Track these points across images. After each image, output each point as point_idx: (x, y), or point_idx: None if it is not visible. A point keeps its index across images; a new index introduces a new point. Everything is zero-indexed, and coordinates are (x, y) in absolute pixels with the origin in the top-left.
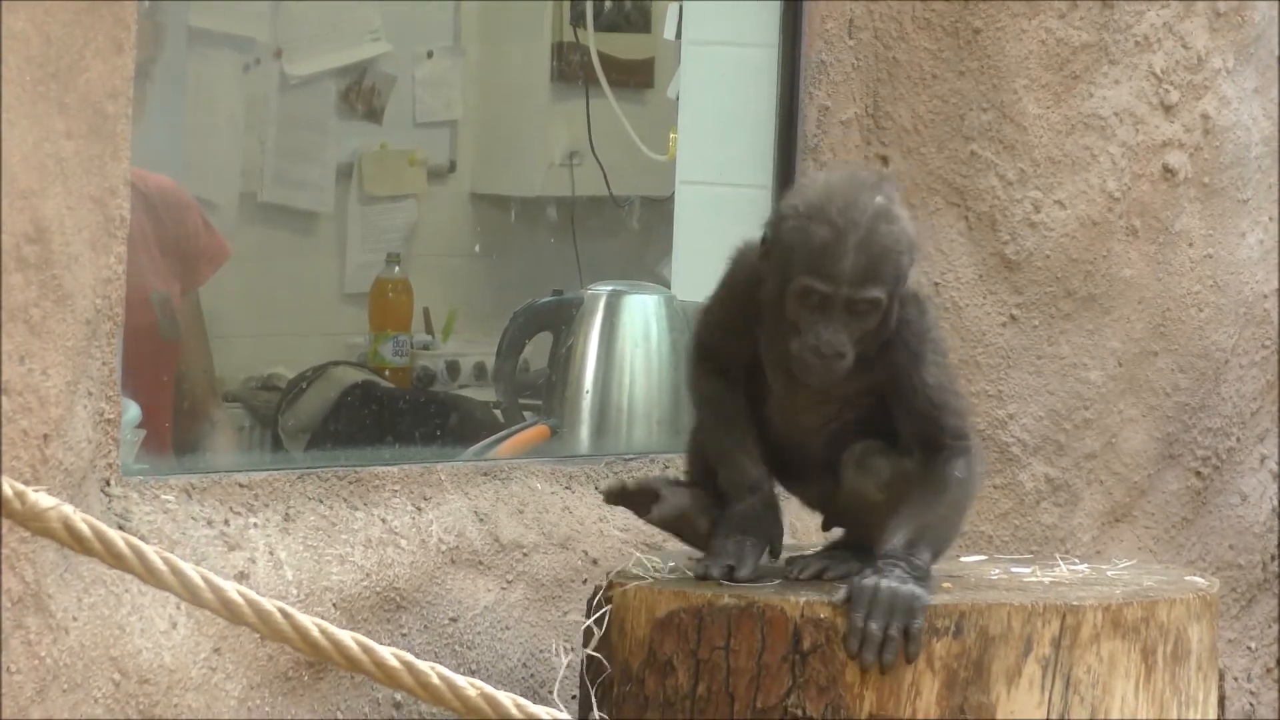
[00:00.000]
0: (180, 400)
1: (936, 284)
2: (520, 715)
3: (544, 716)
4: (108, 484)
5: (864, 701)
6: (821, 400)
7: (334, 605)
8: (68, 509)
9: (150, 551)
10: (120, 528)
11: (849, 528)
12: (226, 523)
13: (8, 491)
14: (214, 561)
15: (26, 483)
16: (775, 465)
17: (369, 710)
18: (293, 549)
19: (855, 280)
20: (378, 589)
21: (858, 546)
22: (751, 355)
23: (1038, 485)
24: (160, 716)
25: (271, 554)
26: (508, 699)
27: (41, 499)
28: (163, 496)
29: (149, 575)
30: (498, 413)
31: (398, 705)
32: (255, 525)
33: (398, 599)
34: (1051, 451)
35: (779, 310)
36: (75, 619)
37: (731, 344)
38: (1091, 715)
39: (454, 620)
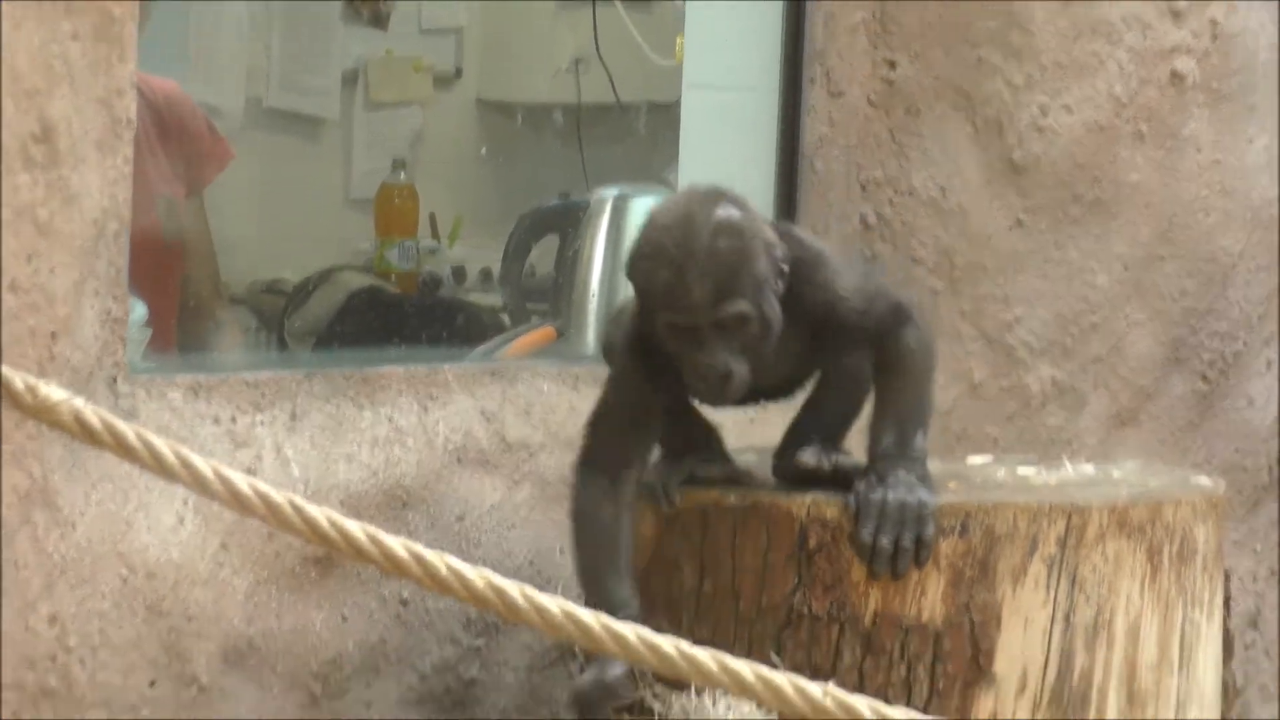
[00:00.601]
0: (186, 301)
1: (943, 188)
2: (527, 605)
3: (551, 605)
4: (115, 382)
5: (869, 600)
6: (769, 364)
7: (341, 503)
8: (79, 401)
9: (160, 443)
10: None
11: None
12: (233, 420)
13: (19, 384)
14: (221, 459)
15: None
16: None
17: (376, 606)
18: (300, 447)
19: (709, 304)
20: (384, 487)
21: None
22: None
23: (1044, 388)
24: (167, 611)
25: (278, 452)
26: (515, 588)
27: (53, 392)
28: (169, 395)
29: (159, 467)
30: (504, 316)
31: (404, 602)
32: (262, 424)
33: (404, 497)
34: (1058, 354)
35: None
36: (83, 514)
37: (639, 420)
38: (1097, 614)
39: (460, 519)
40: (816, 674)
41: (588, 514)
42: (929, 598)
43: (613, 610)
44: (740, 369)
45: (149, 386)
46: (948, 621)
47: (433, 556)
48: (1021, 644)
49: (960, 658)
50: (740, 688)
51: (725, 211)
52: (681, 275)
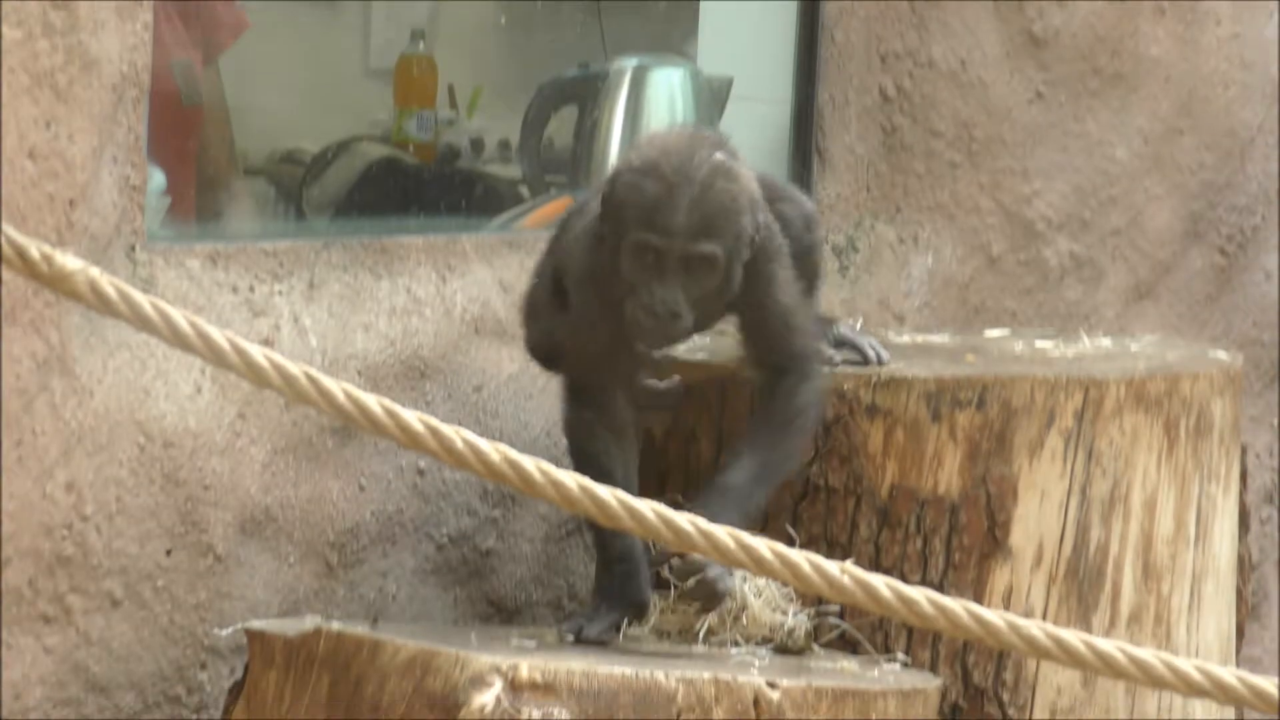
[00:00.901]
0: (204, 169)
1: (963, 61)
2: (544, 480)
3: (568, 480)
4: (133, 250)
5: (885, 472)
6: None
7: (358, 373)
8: (94, 271)
9: (176, 314)
10: (146, 293)
11: None
12: (251, 289)
13: (34, 253)
14: (239, 328)
15: (53, 247)
16: None
17: (393, 476)
18: (317, 316)
19: (689, 234)
20: (402, 357)
21: None
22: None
23: (1062, 261)
24: (184, 480)
25: (296, 321)
26: (531, 463)
27: (69, 261)
28: (187, 263)
29: (175, 338)
30: (522, 187)
31: (421, 473)
32: (280, 293)
33: (422, 367)
34: (1076, 228)
35: (616, 272)
36: (100, 382)
37: (603, 351)
38: (1113, 487)
39: (478, 389)
40: (832, 547)
41: (586, 452)
42: (945, 470)
43: (618, 560)
44: (687, 317)
45: (167, 255)
46: (964, 494)
47: (449, 431)
48: (1038, 517)
49: (976, 531)
50: (758, 565)
51: (728, 160)
52: (672, 195)
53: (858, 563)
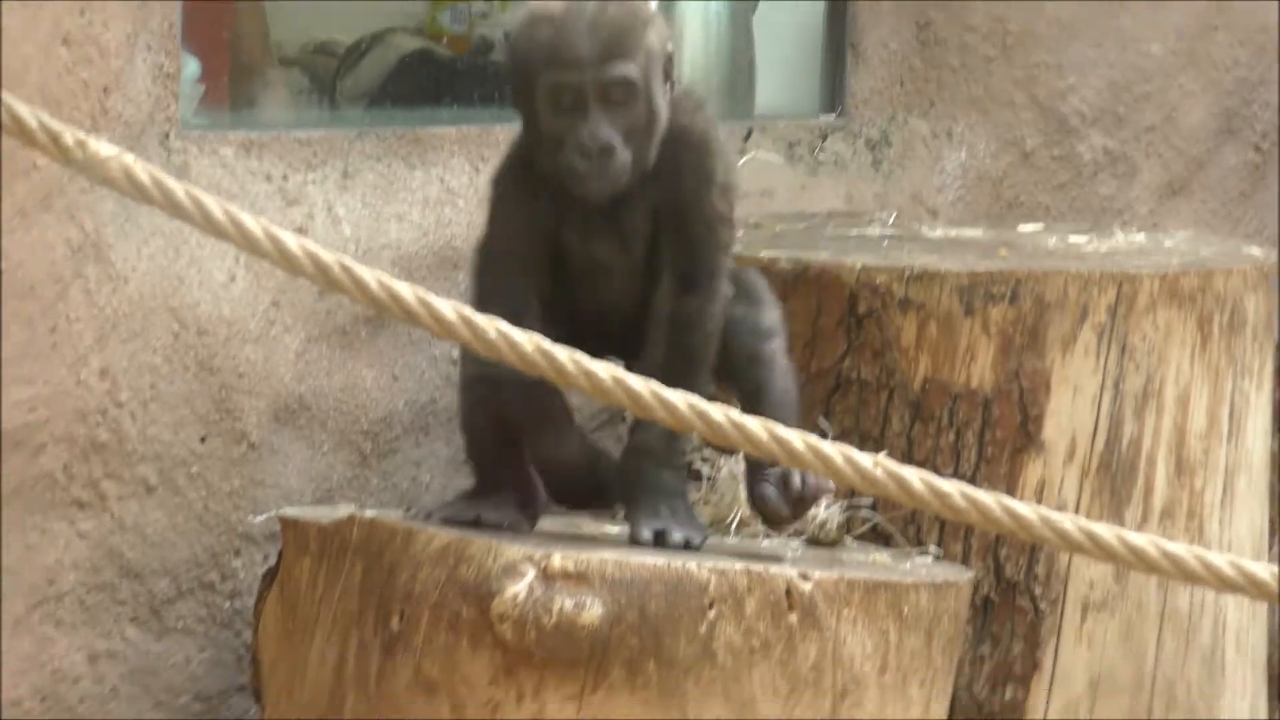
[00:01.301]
0: (238, 57)
1: None
2: (576, 370)
3: (601, 371)
4: (167, 137)
5: (918, 366)
6: (620, 242)
7: (391, 263)
8: (128, 158)
9: (209, 201)
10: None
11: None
12: (285, 178)
13: (68, 139)
14: (272, 216)
15: (87, 133)
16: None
17: (426, 366)
18: (351, 206)
19: (597, 59)
20: (435, 247)
21: None
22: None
23: (1095, 156)
24: (218, 367)
25: (329, 210)
26: (565, 354)
27: (102, 147)
28: (221, 151)
29: (208, 225)
30: None
31: (455, 362)
32: (313, 182)
33: (455, 258)
34: (1110, 123)
35: (538, 132)
36: (134, 269)
37: (528, 254)
38: (1147, 382)
39: None
40: (865, 440)
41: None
42: (978, 363)
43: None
44: (623, 152)
45: (201, 143)
46: (996, 388)
47: (483, 321)
48: (1070, 411)
49: (1009, 424)
50: (790, 457)
51: None
52: (566, 30)
53: (890, 456)
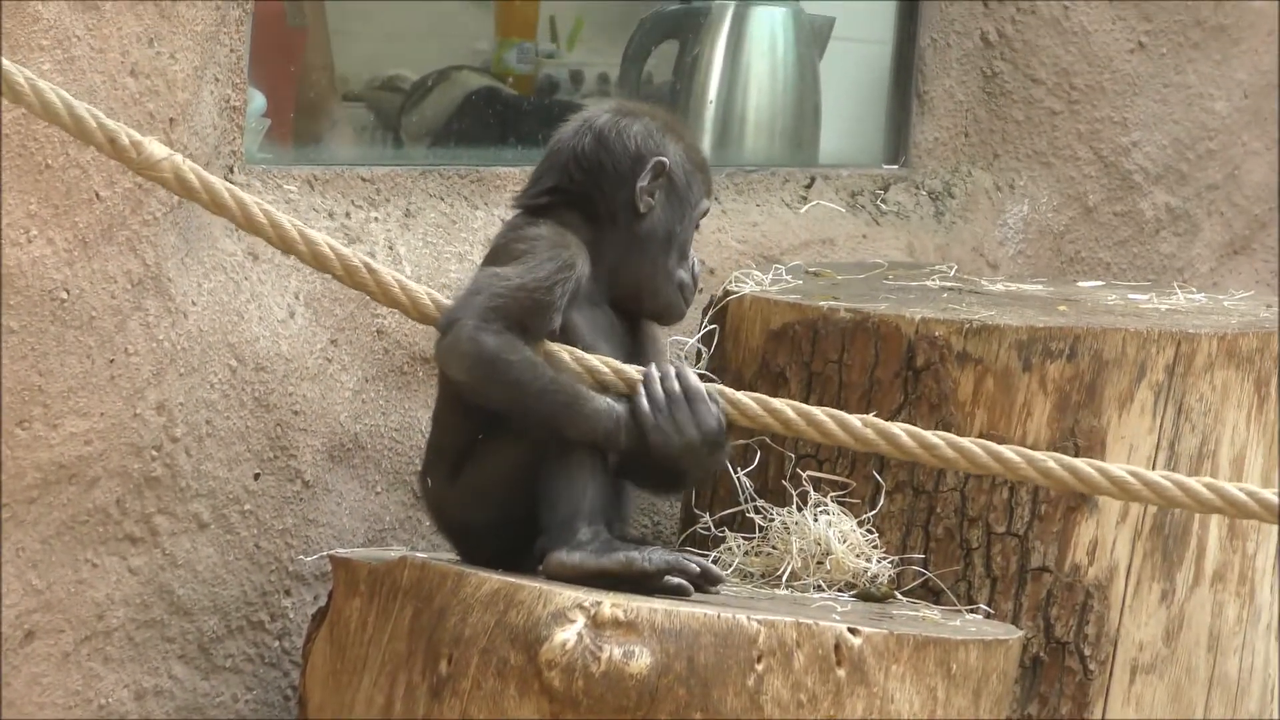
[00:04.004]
0: (304, 92)
1: (1066, 7)
2: (614, 378)
3: (635, 374)
4: (231, 171)
5: (975, 420)
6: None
7: None
8: (179, 159)
9: (251, 201)
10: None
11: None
12: (348, 215)
13: (124, 140)
14: None
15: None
16: None
17: None
18: (412, 244)
19: None
20: None
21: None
22: None
23: (1158, 214)
24: (275, 404)
25: (391, 248)
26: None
27: (156, 149)
28: (285, 186)
29: (249, 224)
30: None
31: None
32: (376, 219)
33: None
34: (1173, 180)
35: (661, 247)
36: (194, 304)
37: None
38: (1202, 443)
39: None
40: (918, 494)
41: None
42: (1035, 420)
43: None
44: None
45: (265, 177)
46: (1052, 445)
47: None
48: None
49: None
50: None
51: None
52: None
53: (942, 512)
